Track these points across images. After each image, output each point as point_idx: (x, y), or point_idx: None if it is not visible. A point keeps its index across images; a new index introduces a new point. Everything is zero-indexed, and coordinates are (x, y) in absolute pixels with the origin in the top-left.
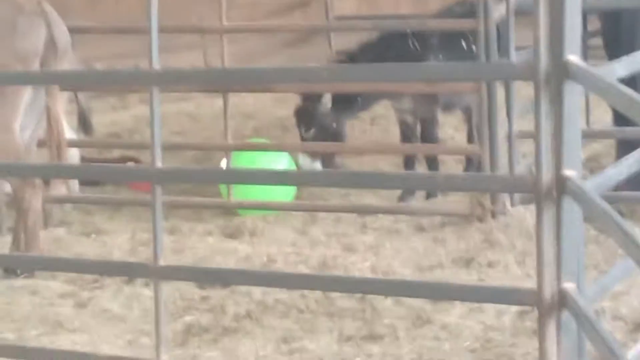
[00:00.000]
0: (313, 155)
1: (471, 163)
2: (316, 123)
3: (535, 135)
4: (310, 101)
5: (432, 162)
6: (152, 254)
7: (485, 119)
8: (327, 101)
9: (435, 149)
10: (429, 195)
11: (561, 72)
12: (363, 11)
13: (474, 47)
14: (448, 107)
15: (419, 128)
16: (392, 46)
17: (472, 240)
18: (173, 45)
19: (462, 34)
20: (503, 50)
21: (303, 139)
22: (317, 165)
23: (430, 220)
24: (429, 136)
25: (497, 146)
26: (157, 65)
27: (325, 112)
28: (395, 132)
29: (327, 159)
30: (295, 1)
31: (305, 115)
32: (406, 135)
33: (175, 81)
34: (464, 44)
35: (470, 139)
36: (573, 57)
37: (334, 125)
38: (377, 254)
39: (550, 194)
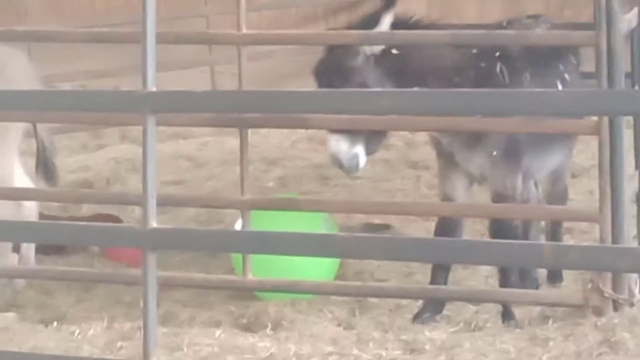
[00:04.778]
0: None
1: (557, 232)
2: None
3: None
4: None
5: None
6: (137, 351)
7: (606, 171)
8: None
9: (533, 210)
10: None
11: None
12: (433, 17)
13: (566, 76)
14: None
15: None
16: (471, 67)
17: (585, 341)
18: (172, 60)
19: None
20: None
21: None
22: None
23: (527, 311)
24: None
25: (623, 210)
26: (152, 86)
27: None
28: None
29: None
30: (343, 2)
31: None
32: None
33: (174, 108)
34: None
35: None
36: None
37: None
38: (453, 357)
39: None
